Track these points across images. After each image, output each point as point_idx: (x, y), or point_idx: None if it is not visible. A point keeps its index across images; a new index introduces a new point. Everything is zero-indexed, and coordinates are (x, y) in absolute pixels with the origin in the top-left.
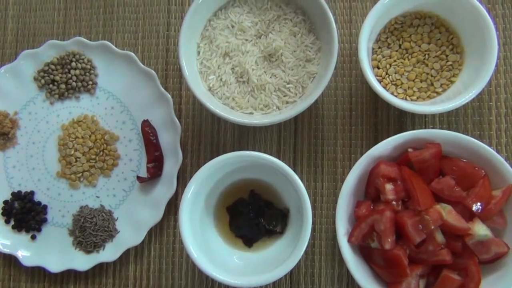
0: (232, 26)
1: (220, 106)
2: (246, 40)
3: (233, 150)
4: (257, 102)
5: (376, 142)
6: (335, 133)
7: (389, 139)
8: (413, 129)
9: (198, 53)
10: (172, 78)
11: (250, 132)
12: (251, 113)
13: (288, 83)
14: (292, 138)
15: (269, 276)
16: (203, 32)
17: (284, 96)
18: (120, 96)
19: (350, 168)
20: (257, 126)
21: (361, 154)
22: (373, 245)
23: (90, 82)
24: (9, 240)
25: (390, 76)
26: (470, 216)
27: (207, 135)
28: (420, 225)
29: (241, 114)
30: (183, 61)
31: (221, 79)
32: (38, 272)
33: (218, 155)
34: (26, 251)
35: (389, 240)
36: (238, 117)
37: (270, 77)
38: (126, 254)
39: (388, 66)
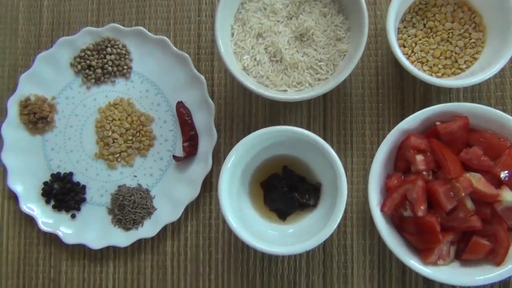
0: (264, 8)
1: (255, 85)
2: (278, 21)
3: None
4: (290, 79)
5: (402, 118)
6: (363, 110)
7: (418, 112)
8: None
9: (232, 34)
10: (204, 61)
11: (280, 112)
12: (285, 91)
13: (319, 61)
14: (322, 116)
15: (308, 244)
16: (236, 15)
17: (316, 73)
18: (154, 79)
19: (378, 144)
20: (292, 101)
21: (389, 130)
22: (405, 214)
23: (125, 67)
24: (53, 219)
25: (416, 54)
26: (498, 184)
27: (239, 115)
28: (451, 193)
29: (276, 92)
30: (219, 42)
31: (255, 59)
32: (78, 250)
33: (250, 133)
34: (67, 229)
35: (422, 207)
36: (274, 93)
37: (302, 56)
38: (163, 230)
39: (413, 44)
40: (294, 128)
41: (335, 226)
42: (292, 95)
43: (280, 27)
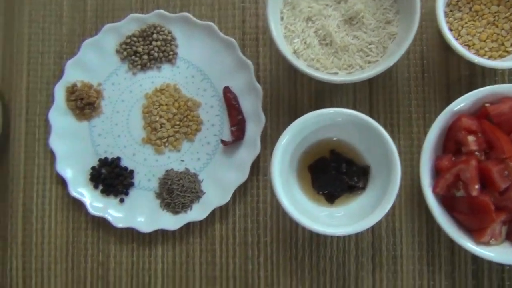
0: None
1: (307, 67)
2: (327, 5)
3: None
4: (341, 62)
5: (448, 102)
6: (408, 94)
7: (469, 94)
8: None
9: (282, 18)
10: (249, 47)
11: (326, 96)
12: (336, 73)
13: (370, 44)
14: (368, 100)
15: (363, 224)
16: None
17: (366, 56)
18: (200, 65)
19: (424, 127)
20: (341, 84)
21: (435, 114)
22: (458, 194)
23: (171, 53)
24: (102, 204)
25: (463, 38)
26: None
27: (284, 100)
28: (505, 172)
29: (328, 74)
30: (272, 25)
31: (305, 42)
32: (126, 234)
33: (296, 117)
34: (117, 213)
35: (476, 187)
36: (326, 76)
37: (352, 39)
38: (211, 214)
39: (460, 28)
40: (348, 111)
41: (389, 206)
42: (343, 77)
43: (329, 10)
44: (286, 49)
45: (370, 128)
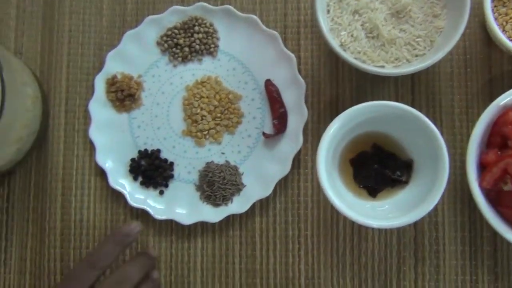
0: None
1: (354, 60)
2: None
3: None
4: (388, 55)
5: (491, 97)
6: (451, 89)
7: None
8: None
9: (328, 11)
10: (290, 40)
11: (367, 91)
12: (383, 66)
13: (417, 37)
14: (410, 95)
15: (411, 216)
16: None
17: (413, 49)
18: (241, 58)
19: (467, 122)
20: (387, 76)
21: (478, 109)
22: (505, 188)
23: (212, 45)
24: (141, 195)
25: (507, 33)
26: None
27: (326, 94)
28: None
29: (376, 67)
30: (320, 18)
31: (352, 35)
32: (165, 226)
33: (338, 112)
34: (157, 205)
35: None
36: (375, 68)
37: (399, 32)
38: (251, 207)
39: (504, 23)
40: (401, 105)
41: (437, 200)
42: (391, 70)
43: (376, 3)
44: (333, 42)
45: (418, 122)
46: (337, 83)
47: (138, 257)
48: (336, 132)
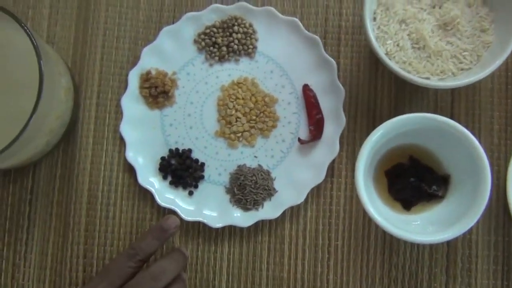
0: None
1: (400, 69)
2: (422, 8)
3: (390, 117)
4: (433, 67)
5: None
6: (491, 105)
7: None
8: None
9: (374, 19)
10: (330, 46)
11: (406, 101)
12: (428, 78)
13: (464, 51)
14: (449, 109)
15: (451, 233)
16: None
17: (459, 63)
18: (279, 60)
19: (506, 140)
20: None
21: None
22: None
23: (251, 46)
24: (170, 195)
25: None
26: None
27: (364, 102)
28: None
29: (421, 78)
30: (368, 24)
31: (397, 45)
32: (192, 228)
33: (374, 122)
34: (187, 206)
35: None
36: (420, 80)
37: (446, 44)
38: (282, 214)
39: None
40: (445, 119)
41: (477, 217)
42: (437, 82)
43: (424, 14)
44: (380, 50)
45: (461, 138)
46: (375, 92)
47: (174, 253)
48: (376, 142)
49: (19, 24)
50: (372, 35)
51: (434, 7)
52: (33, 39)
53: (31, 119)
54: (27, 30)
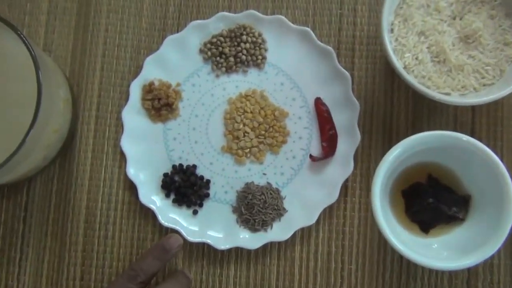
0: (428, 5)
1: (418, 85)
2: (441, 20)
3: (407, 133)
4: (454, 82)
5: None
6: None
7: None
8: None
9: (392, 30)
10: (343, 57)
11: (424, 117)
12: (448, 94)
13: (486, 65)
14: (470, 125)
15: (472, 259)
16: (397, 10)
17: (482, 78)
18: (290, 72)
19: None
20: (456, 105)
21: None
22: None
23: (260, 57)
24: (173, 214)
25: None
26: None
27: (379, 117)
28: None
29: (441, 94)
30: (385, 35)
31: (416, 58)
32: (196, 249)
33: (391, 138)
34: (192, 226)
35: None
36: (440, 95)
37: (468, 58)
38: (292, 235)
39: None
40: (459, 135)
41: (500, 243)
42: (457, 99)
43: (444, 26)
44: (398, 64)
45: (481, 156)
46: (391, 106)
47: (177, 276)
48: (394, 160)
49: (15, 33)
50: (389, 48)
51: (454, 18)
52: (30, 48)
53: (29, 133)
54: (24, 39)
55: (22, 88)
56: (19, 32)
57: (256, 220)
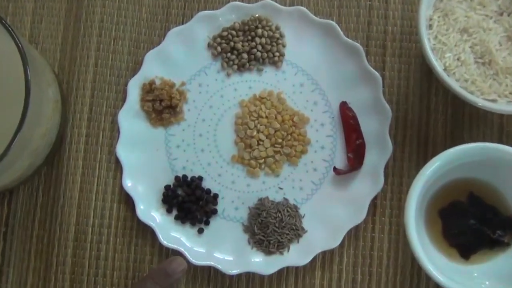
0: None
1: (460, 89)
2: (487, 16)
3: (445, 144)
4: (501, 88)
5: None
6: None
7: None
8: None
9: (430, 26)
10: (373, 56)
11: (465, 126)
12: (495, 100)
13: None
14: None
15: None
16: (436, 3)
17: None
18: (311, 72)
19: None
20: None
21: None
22: None
23: (277, 54)
24: (175, 232)
25: None
26: None
27: (413, 125)
28: None
29: (485, 101)
30: (423, 32)
31: (458, 58)
32: (201, 273)
33: (426, 149)
34: (197, 247)
35: None
36: (486, 103)
37: None
38: (311, 259)
39: None
40: (506, 147)
41: None
42: (505, 107)
43: (490, 23)
44: (437, 65)
45: None
46: (427, 113)
47: None
48: (431, 175)
49: None
50: (427, 46)
51: (501, 14)
52: (17, 41)
53: (15, 139)
54: (11, 30)
55: (5, 86)
56: (4, 22)
57: (271, 242)
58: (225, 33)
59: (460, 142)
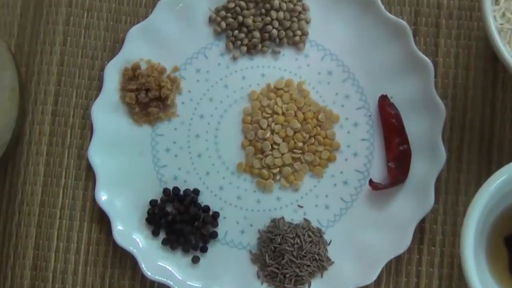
0: None
1: None
2: None
3: None
4: None
5: None
6: None
7: None
8: None
9: (496, 1)
10: (424, 37)
11: None
12: None
13: None
14: None
15: None
16: None
17: None
18: (342, 56)
19: None
20: None
21: None
22: None
23: (299, 32)
24: (163, 261)
25: None
26: None
27: (473, 127)
28: None
29: None
30: (487, 8)
31: None
32: None
33: (490, 159)
34: (188, 280)
35: None
36: None
37: None
38: None
39: None
40: None
41: None
42: None
43: None
44: (504, 50)
45: None
46: (492, 112)
47: None
48: (496, 192)
49: None
50: (493, 26)
51: None
52: None
53: None
54: None
55: None
56: None
57: (287, 275)
58: (231, 5)
59: None
